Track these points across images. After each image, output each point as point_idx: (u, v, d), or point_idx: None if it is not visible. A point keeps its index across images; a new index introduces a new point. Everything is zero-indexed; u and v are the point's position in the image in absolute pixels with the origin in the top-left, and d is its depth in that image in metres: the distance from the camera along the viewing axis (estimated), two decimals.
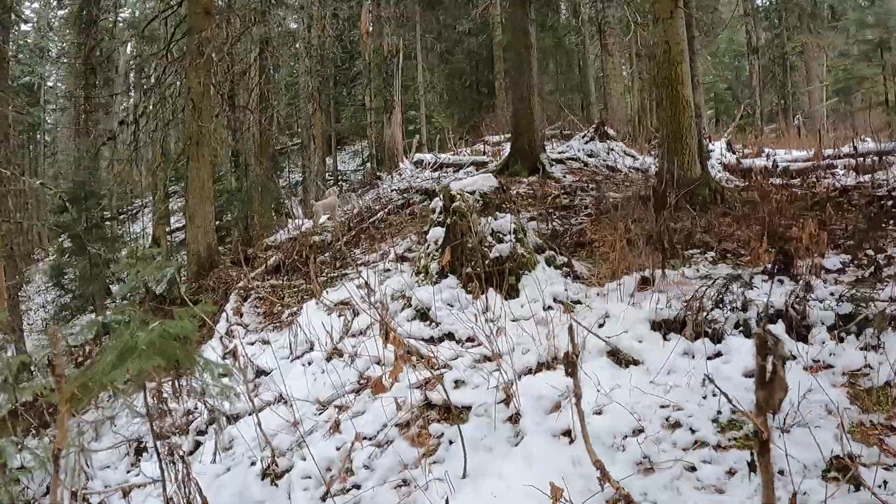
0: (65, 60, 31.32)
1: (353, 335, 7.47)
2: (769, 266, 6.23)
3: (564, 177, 12.26)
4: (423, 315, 6.15)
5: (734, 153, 14.82)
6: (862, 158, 12.48)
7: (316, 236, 13.07)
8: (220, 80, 17.24)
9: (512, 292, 5.98)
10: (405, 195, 12.72)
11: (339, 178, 26.95)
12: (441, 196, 6.33)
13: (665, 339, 4.77)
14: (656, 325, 4.88)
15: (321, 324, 7.75)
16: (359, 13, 21.77)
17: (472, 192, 6.21)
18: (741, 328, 4.75)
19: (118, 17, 26.66)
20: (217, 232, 26.43)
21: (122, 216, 32.55)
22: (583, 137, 13.88)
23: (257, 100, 20.89)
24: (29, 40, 37.35)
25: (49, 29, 36.80)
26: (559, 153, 13.46)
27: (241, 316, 10.55)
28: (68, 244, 19.77)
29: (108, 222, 29.04)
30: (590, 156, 13.18)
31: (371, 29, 19.20)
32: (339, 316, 8.02)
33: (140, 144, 16.88)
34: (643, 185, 11.54)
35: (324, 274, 11.07)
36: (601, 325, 5.12)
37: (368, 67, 17.49)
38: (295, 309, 9.53)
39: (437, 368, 5.46)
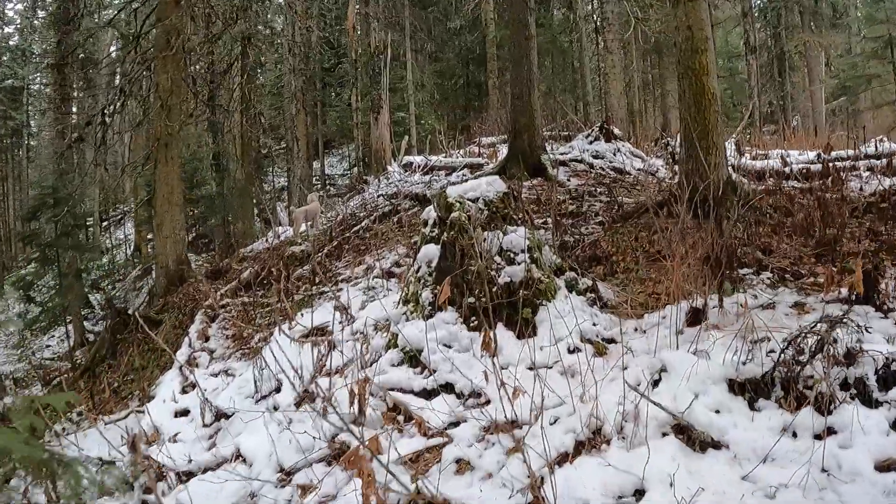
0: (44, 62, 29.60)
1: (328, 374, 6.04)
2: (845, 291, 4.83)
3: (569, 180, 10.84)
4: (414, 359, 4.69)
5: (742, 154, 13.49)
6: (886, 159, 11.13)
7: (294, 247, 11.60)
8: (196, 78, 15.74)
9: (526, 329, 4.53)
10: (393, 201, 11.25)
11: (327, 181, 25.44)
12: (435, 204, 4.88)
13: (753, 408, 3.33)
14: (737, 387, 3.43)
15: (293, 356, 6.35)
16: (347, 13, 20.30)
17: (475, 200, 4.75)
18: (853, 391, 3.32)
19: (98, 17, 25.02)
20: (201, 239, 24.82)
21: (106, 222, 30.87)
22: (586, 137, 12.45)
23: (239, 100, 19.36)
24: (11, 42, 35.56)
25: (32, 31, 35.06)
26: (561, 154, 12.04)
27: (207, 339, 9.09)
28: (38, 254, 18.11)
29: (90, 228, 27.40)
30: (595, 157, 11.75)
31: (357, 27, 17.74)
32: (314, 347, 6.58)
33: (109, 146, 15.39)
34: (657, 189, 10.14)
35: (301, 291, 9.61)
36: (656, 383, 3.67)
37: (354, 66, 16.03)
38: (266, 333, 8.11)
39: (432, 436, 4.02)
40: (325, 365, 6.18)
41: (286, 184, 22.11)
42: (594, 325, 4.64)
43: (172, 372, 7.73)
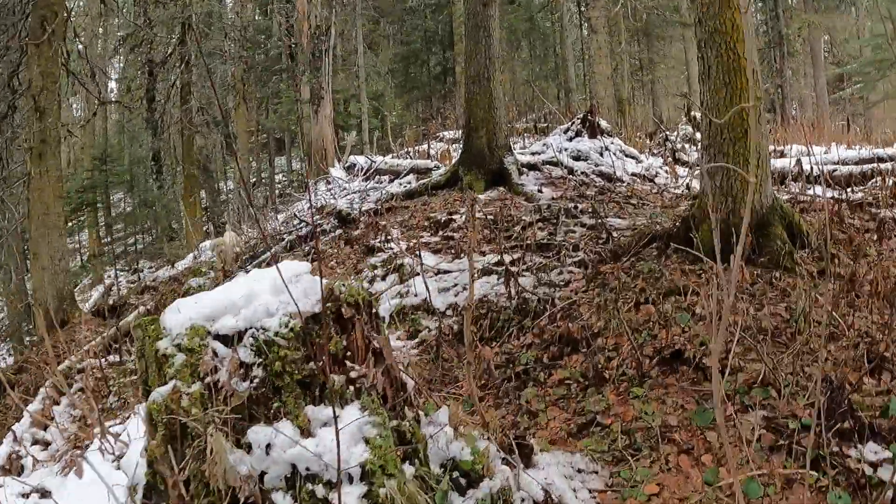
0: None
1: None
2: None
3: (540, 191, 7.67)
4: None
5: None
6: None
7: (196, 279, 8.51)
8: (96, 71, 12.56)
9: None
10: (318, 218, 8.10)
11: (294, 181, 22.24)
12: (136, 354, 1.77)
13: None
14: None
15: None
16: None
17: (236, 336, 1.57)
18: None
19: None
20: (153, 245, 21.47)
21: (70, 224, 27.60)
22: (565, 132, 9.26)
23: (178, 93, 16.14)
24: None
25: None
26: (532, 154, 8.88)
27: (47, 426, 5.93)
28: None
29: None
30: (576, 158, 8.58)
31: (307, 8, 14.44)
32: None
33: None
34: (661, 205, 6.99)
35: None
36: None
37: (296, 51, 12.80)
38: (111, 423, 5.00)
39: None
40: None
41: (253, 185, 18.87)
42: None
43: None
